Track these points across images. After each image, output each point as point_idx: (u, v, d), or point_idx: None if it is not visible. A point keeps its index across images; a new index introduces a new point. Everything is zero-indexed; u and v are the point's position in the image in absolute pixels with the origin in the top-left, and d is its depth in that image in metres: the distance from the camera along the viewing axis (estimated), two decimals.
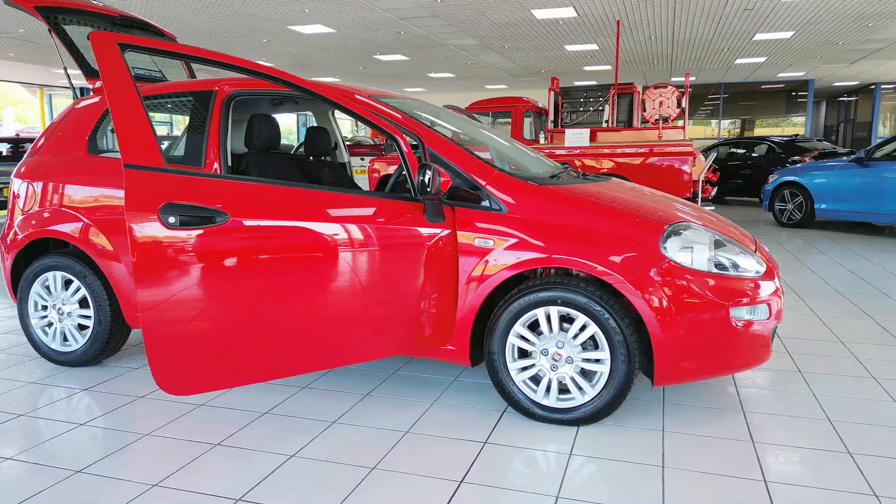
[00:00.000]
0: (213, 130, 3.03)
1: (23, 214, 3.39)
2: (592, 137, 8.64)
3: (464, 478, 2.23)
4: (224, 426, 2.66)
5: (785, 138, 12.17)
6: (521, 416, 2.73)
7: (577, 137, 8.21)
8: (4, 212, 8.30)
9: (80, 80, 3.93)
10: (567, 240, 2.55)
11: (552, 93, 10.94)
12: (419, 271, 2.59)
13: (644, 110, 9.33)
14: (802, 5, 10.64)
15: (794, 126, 25.48)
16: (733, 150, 12.26)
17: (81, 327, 3.36)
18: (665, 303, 2.44)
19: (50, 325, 3.40)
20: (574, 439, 2.52)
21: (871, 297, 4.78)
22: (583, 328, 2.55)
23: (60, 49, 3.51)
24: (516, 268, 2.60)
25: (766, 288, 2.60)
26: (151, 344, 2.26)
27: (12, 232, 3.43)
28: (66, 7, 3.51)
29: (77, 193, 3.23)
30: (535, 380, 2.68)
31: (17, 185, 3.45)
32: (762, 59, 16.90)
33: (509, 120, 10.83)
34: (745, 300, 2.52)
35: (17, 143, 10.50)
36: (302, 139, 19.95)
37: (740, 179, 11.83)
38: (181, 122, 21.36)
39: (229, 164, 3.05)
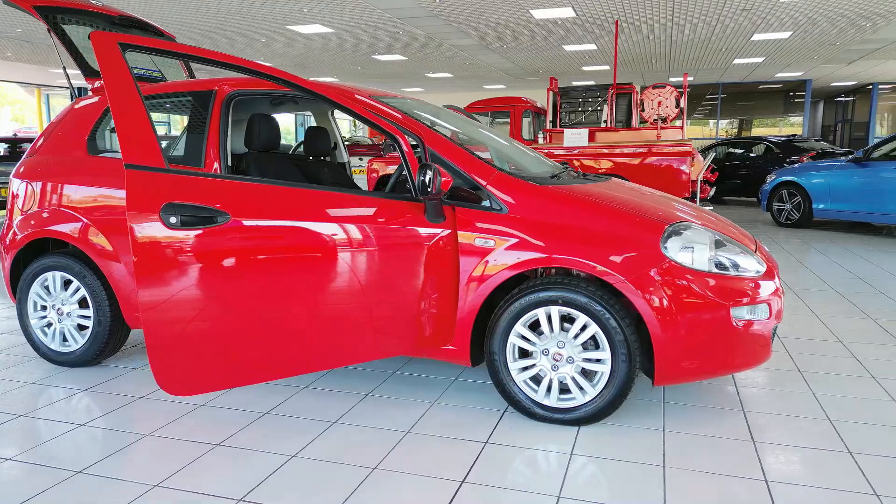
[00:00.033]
0: (213, 130, 3.03)
1: (22, 214, 3.39)
2: (591, 137, 8.65)
3: (465, 478, 2.23)
4: (224, 426, 2.66)
5: (783, 138, 12.19)
6: (521, 415, 2.73)
7: (575, 137, 8.22)
8: (3, 212, 8.29)
9: (78, 80, 3.92)
10: (567, 240, 2.55)
11: (551, 93, 10.95)
12: (420, 271, 2.59)
13: (643, 110, 9.34)
14: (800, 5, 10.66)
15: (792, 126, 25.53)
16: (731, 150, 12.28)
17: (81, 327, 3.35)
18: (666, 302, 2.44)
19: (49, 325, 3.40)
20: (575, 439, 2.52)
21: (869, 297, 4.79)
22: (583, 328, 2.55)
23: (59, 49, 3.51)
24: (517, 268, 2.60)
25: (767, 288, 2.60)
26: (153, 344, 2.25)
27: (11, 232, 3.42)
28: (65, 7, 3.50)
29: (76, 193, 3.23)
30: (536, 380, 2.69)
31: (17, 185, 3.44)
32: (760, 60, 16.93)
33: (508, 120, 10.83)
34: (745, 300, 2.52)
35: (15, 143, 10.48)
36: (300, 139, 19.95)
37: (738, 179, 11.84)
38: (179, 122, 21.33)
39: (229, 164, 3.05)
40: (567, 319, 2.61)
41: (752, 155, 11.95)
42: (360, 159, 14.20)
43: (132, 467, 2.32)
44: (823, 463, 2.32)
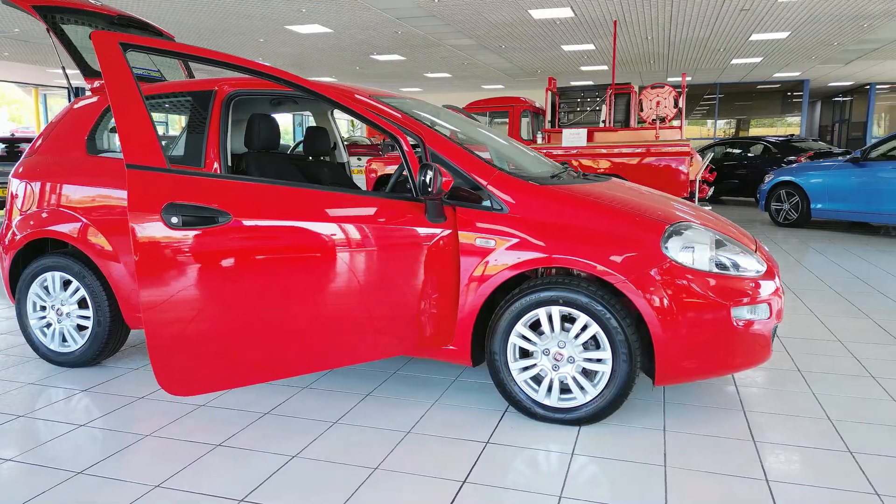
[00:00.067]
0: (212, 130, 3.02)
1: (21, 215, 3.38)
2: (590, 137, 8.66)
3: (466, 478, 2.23)
4: (225, 427, 2.65)
5: (780, 138, 12.21)
6: (522, 415, 2.73)
7: (574, 137, 8.22)
8: (2, 212, 8.26)
9: (76, 80, 3.91)
10: (568, 239, 2.55)
11: (549, 93, 10.95)
12: (420, 271, 2.59)
13: (641, 110, 9.35)
14: (799, 5, 10.68)
15: (789, 126, 25.58)
16: (729, 150, 12.30)
17: (80, 328, 3.35)
18: (666, 302, 2.44)
19: (48, 325, 3.39)
20: (576, 439, 2.52)
21: (868, 297, 4.80)
22: (584, 328, 2.55)
23: (59, 49, 3.50)
24: (518, 268, 2.60)
25: (767, 287, 2.61)
26: (154, 344, 2.25)
27: (10, 232, 3.41)
28: (64, 6, 3.50)
29: (76, 193, 3.22)
30: (537, 379, 2.69)
31: (15, 186, 3.43)
32: (758, 60, 16.96)
33: (507, 120, 10.84)
34: (745, 300, 2.52)
35: (13, 143, 10.45)
36: (298, 139, 19.93)
37: (736, 179, 11.86)
38: (176, 122, 21.30)
39: (229, 164, 3.04)
40: (568, 319, 2.61)
41: (749, 155, 11.97)
42: (359, 159, 14.21)
43: (132, 468, 2.32)
44: (824, 462, 2.32)
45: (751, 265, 2.62)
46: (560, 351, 2.60)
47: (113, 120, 3.39)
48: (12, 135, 11.09)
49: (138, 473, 2.28)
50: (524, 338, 2.64)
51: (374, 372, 3.29)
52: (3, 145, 10.41)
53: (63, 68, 3.66)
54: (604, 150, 7.90)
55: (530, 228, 2.60)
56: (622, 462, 2.34)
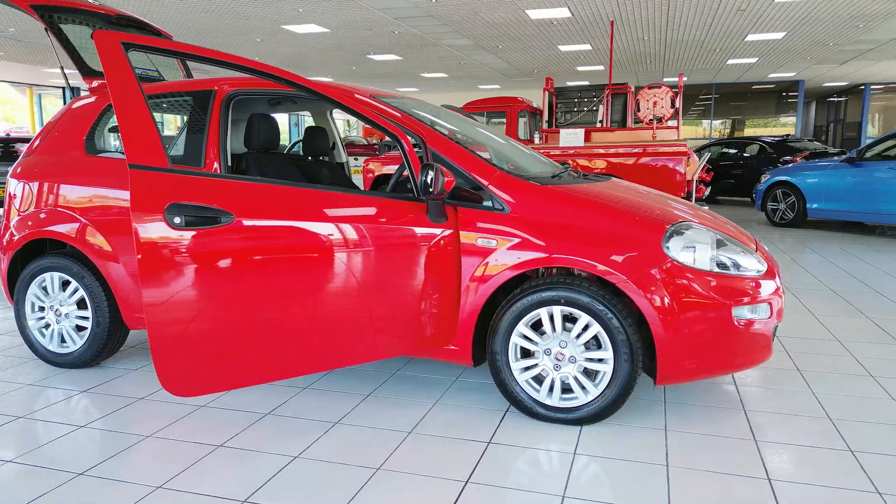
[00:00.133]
0: (212, 130, 3.02)
1: (19, 215, 3.36)
2: (587, 137, 8.67)
3: (469, 478, 2.23)
4: (226, 427, 2.65)
5: (776, 138, 12.25)
6: (523, 415, 2.74)
7: (571, 137, 8.23)
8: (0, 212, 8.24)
9: (74, 80, 3.90)
10: (569, 239, 2.55)
11: (547, 93, 10.96)
12: (422, 271, 2.59)
13: (638, 110, 9.37)
14: (795, 6, 10.72)
15: (784, 126, 25.66)
16: (725, 150, 12.33)
17: (79, 328, 3.33)
18: (668, 302, 2.45)
19: (47, 326, 3.37)
20: (577, 439, 2.52)
21: (865, 296, 4.82)
22: (586, 328, 2.56)
23: (57, 48, 3.48)
24: (519, 268, 2.60)
25: (768, 287, 2.61)
26: (156, 345, 2.24)
27: (8, 233, 3.40)
28: (63, 6, 3.48)
29: (75, 194, 3.21)
30: (538, 379, 2.69)
31: (14, 186, 3.42)
32: (754, 60, 17.01)
33: (504, 120, 10.84)
34: (746, 299, 2.53)
35: (8, 143, 10.40)
36: (294, 139, 19.89)
37: (732, 179, 11.90)
38: (173, 122, 21.24)
39: (229, 164, 3.04)
40: (569, 319, 2.62)
41: (745, 155, 12.01)
42: (356, 159, 14.19)
43: (134, 469, 2.31)
44: (825, 461, 2.33)
45: (751, 265, 2.63)
46: (561, 351, 2.60)
47: (112, 120, 3.39)
48: (7, 135, 11.03)
49: (140, 474, 2.27)
50: (526, 338, 2.65)
51: (374, 372, 3.29)
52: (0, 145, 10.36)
53: (61, 68, 3.64)
54: (601, 151, 7.91)
55: (531, 228, 2.60)
56: (624, 462, 2.34)
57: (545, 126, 11.16)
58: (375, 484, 2.20)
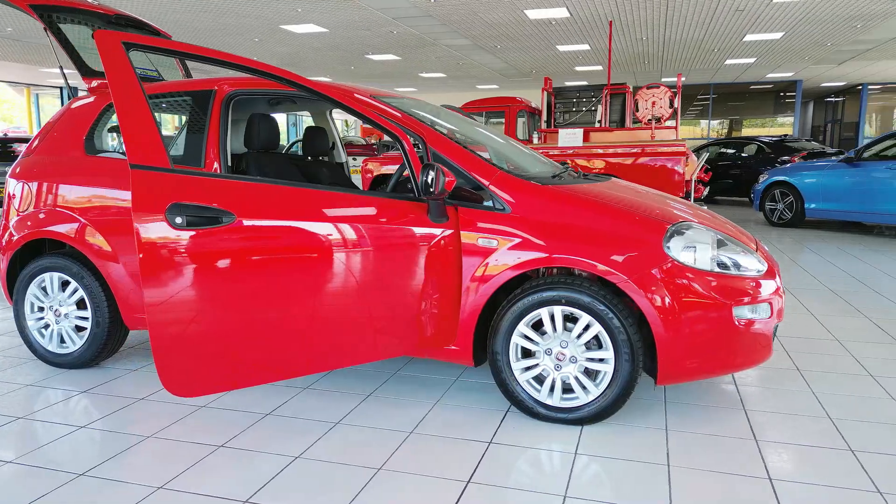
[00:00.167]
0: (212, 130, 3.01)
1: (18, 215, 3.36)
2: (586, 137, 8.67)
3: (471, 478, 2.23)
4: (227, 428, 2.64)
5: (774, 138, 12.27)
6: (524, 415, 2.74)
7: (570, 137, 8.23)
8: None
9: (73, 80, 3.89)
10: (569, 239, 2.55)
11: (545, 93, 10.97)
12: (423, 271, 2.59)
13: (637, 110, 9.38)
14: (793, 6, 10.74)
15: (782, 126, 25.70)
16: (723, 150, 12.35)
17: (79, 329, 3.33)
18: (668, 302, 2.45)
19: (46, 326, 3.37)
20: (578, 438, 2.52)
21: (864, 296, 4.83)
22: (587, 328, 2.56)
23: (56, 48, 3.48)
24: (519, 268, 2.60)
25: (768, 287, 2.62)
26: (158, 345, 2.24)
27: (7, 233, 3.39)
28: (62, 6, 3.47)
29: (74, 194, 3.20)
30: (539, 379, 2.69)
31: (13, 186, 3.41)
32: (752, 60, 17.03)
33: (503, 120, 10.84)
34: (747, 299, 2.53)
35: (5, 143, 10.38)
36: (292, 139, 19.89)
37: (730, 179, 11.91)
38: (170, 122, 21.20)
39: (229, 164, 3.03)
40: (570, 319, 2.62)
41: (743, 155, 12.02)
42: (354, 159, 14.19)
43: (135, 469, 2.31)
44: (826, 461, 2.33)
45: (752, 264, 2.63)
46: (562, 351, 2.60)
47: (111, 120, 3.38)
48: (5, 135, 11.00)
49: (141, 475, 2.26)
50: (526, 338, 2.65)
51: (374, 372, 3.29)
52: None
53: (61, 68, 3.63)
54: (600, 151, 7.92)
55: (532, 228, 2.61)
56: (625, 461, 2.34)
57: (544, 126, 11.16)
58: (377, 484, 2.20)
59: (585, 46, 14.49)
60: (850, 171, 8.02)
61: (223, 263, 2.28)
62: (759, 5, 10.62)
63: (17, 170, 3.42)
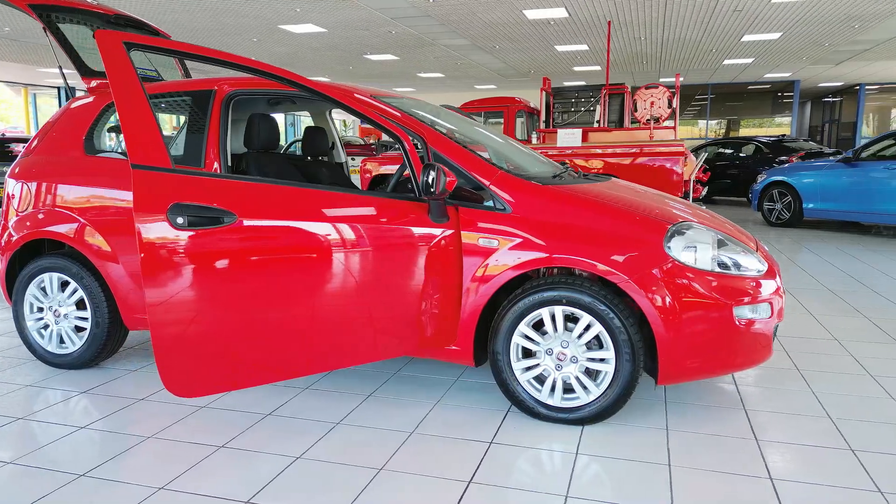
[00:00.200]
0: (212, 130, 3.01)
1: (17, 215, 3.35)
2: (584, 137, 8.68)
3: (472, 478, 2.23)
4: (227, 428, 2.64)
5: (772, 138, 12.28)
6: (525, 415, 2.74)
7: (569, 138, 8.24)
8: None
9: (72, 80, 3.88)
10: (570, 239, 2.55)
11: (544, 93, 10.97)
12: (423, 272, 2.59)
13: (635, 110, 9.38)
14: (791, 6, 10.76)
15: (780, 126, 25.74)
16: (721, 150, 12.36)
17: (78, 329, 3.32)
18: (669, 302, 2.45)
19: (46, 326, 3.36)
20: (579, 438, 2.53)
21: (863, 296, 4.84)
22: (587, 328, 2.56)
23: (56, 48, 3.47)
24: (520, 268, 2.60)
25: (768, 287, 2.62)
26: (159, 345, 2.24)
27: (7, 233, 3.38)
28: (61, 6, 3.47)
29: (74, 194, 3.19)
30: (540, 379, 2.69)
31: (12, 186, 3.40)
32: (749, 60, 17.06)
33: (501, 120, 10.85)
34: (747, 299, 2.54)
35: (3, 143, 10.35)
36: (290, 139, 19.88)
37: (728, 179, 11.93)
38: (169, 122, 21.18)
39: (229, 164, 3.03)
40: (571, 319, 2.62)
41: (741, 155, 12.04)
42: (353, 159, 14.20)
43: (135, 470, 2.30)
44: (826, 461, 2.33)
45: (752, 264, 2.63)
46: (563, 351, 2.60)
47: (110, 120, 3.38)
48: (3, 135, 10.98)
49: (141, 475, 2.26)
50: (527, 338, 2.65)
51: (374, 373, 3.29)
52: None
53: (60, 68, 3.63)
54: (598, 151, 7.92)
55: (533, 228, 2.61)
56: (627, 461, 2.35)
57: (542, 126, 11.17)
58: (377, 484, 2.20)
59: (584, 46, 14.50)
60: (847, 171, 8.04)
61: (224, 263, 2.27)
62: (758, 5, 10.64)
63: (17, 170, 3.41)
